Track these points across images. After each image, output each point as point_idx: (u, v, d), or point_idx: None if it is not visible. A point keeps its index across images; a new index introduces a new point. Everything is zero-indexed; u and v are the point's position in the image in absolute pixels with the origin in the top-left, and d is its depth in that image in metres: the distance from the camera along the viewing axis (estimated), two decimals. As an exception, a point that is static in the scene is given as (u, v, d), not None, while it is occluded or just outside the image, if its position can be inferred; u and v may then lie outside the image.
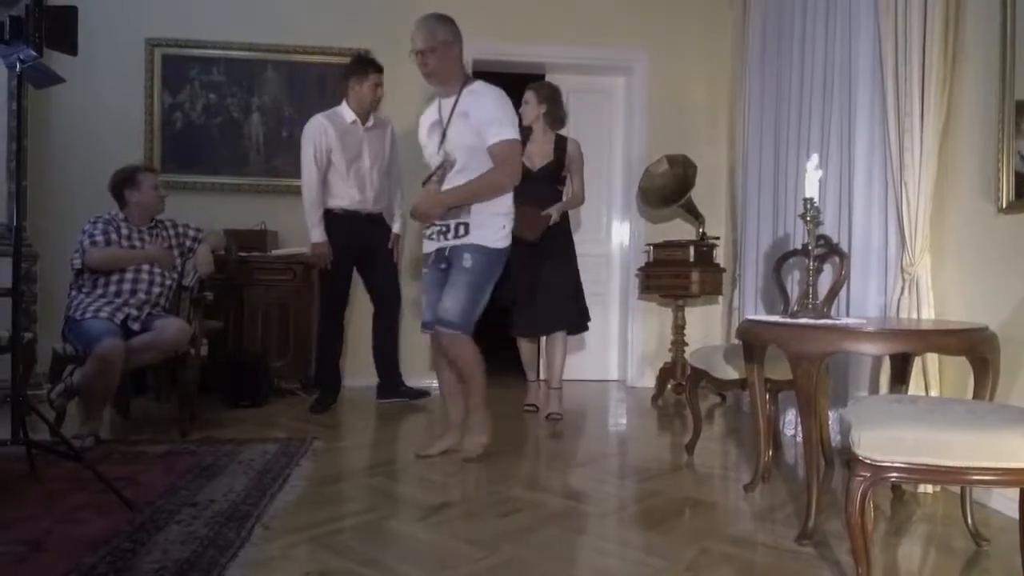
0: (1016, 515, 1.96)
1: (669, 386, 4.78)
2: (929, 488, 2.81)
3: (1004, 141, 2.63)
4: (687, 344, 4.73)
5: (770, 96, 4.29)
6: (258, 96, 4.97)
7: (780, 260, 3.35)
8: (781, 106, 4.15)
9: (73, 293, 3.56)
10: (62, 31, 2.31)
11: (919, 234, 2.89)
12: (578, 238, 5.46)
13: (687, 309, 4.89)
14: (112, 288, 3.53)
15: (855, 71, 3.38)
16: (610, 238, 5.59)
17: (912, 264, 2.91)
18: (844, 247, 3.27)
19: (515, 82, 5.45)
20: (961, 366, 2.44)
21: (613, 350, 5.57)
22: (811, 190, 2.54)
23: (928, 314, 2.88)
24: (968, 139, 2.86)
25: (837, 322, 2.38)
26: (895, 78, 2.97)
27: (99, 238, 3.54)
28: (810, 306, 2.53)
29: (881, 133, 3.17)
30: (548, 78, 5.26)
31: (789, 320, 2.44)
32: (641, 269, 5.05)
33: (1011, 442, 1.66)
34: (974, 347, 2.21)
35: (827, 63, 3.66)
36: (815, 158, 2.59)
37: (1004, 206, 2.64)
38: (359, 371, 4.77)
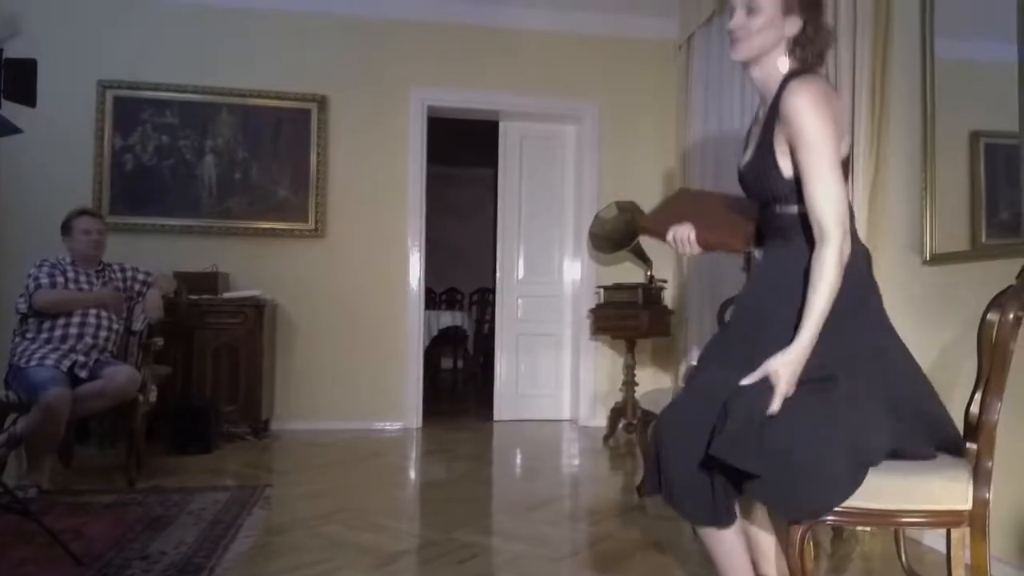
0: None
1: (620, 425, 4.86)
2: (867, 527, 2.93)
3: (928, 197, 2.82)
4: (638, 384, 4.83)
5: (711, 145, 4.48)
6: (212, 139, 4.95)
7: (723, 305, 3.48)
8: (722, 155, 4.33)
9: (17, 340, 3.48)
10: (21, 84, 2.32)
11: (852, 282, 3.05)
12: (531, 278, 5.63)
13: (637, 349, 5.01)
14: (58, 332, 3.46)
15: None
16: (562, 277, 5.70)
17: (847, 311, 3.06)
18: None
19: (467, 128, 5.60)
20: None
21: (565, 389, 5.65)
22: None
23: (862, 358, 3.02)
24: (896, 194, 3.05)
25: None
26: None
27: (44, 281, 3.47)
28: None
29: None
30: (501, 125, 5.34)
31: (733, 367, 2.55)
32: (592, 310, 5.16)
33: (936, 486, 1.77)
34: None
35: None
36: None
37: (928, 258, 2.83)
38: (301, 413, 4.81)
